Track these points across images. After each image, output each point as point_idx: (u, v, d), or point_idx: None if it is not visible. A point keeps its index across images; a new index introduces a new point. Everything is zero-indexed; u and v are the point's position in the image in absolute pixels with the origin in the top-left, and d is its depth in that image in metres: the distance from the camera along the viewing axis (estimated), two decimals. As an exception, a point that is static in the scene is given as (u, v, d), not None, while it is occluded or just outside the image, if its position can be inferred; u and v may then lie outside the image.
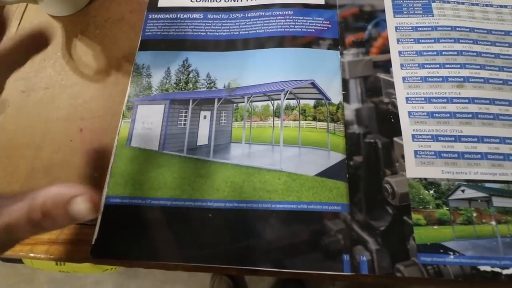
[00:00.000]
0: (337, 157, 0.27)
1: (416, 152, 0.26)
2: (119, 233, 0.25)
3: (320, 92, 0.29)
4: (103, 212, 0.26)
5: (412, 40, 0.31)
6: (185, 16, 0.34)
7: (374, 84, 0.29)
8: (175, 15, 0.34)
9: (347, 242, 0.24)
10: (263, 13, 0.33)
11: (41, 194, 0.17)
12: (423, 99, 0.28)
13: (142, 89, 0.31)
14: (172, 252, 0.25)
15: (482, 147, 0.26)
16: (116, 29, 0.34)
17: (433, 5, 0.32)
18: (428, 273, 0.23)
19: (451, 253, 0.24)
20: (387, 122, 0.28)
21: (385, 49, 0.31)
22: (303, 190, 0.25)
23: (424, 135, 0.27)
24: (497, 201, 0.25)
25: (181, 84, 0.31)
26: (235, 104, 0.30)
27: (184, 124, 0.29)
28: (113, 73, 0.32)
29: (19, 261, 0.53)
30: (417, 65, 0.30)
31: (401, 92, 0.29)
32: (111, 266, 0.60)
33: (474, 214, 0.25)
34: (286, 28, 0.32)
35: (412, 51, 0.30)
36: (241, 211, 0.25)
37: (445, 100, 0.28)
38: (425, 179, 0.26)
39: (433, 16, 0.32)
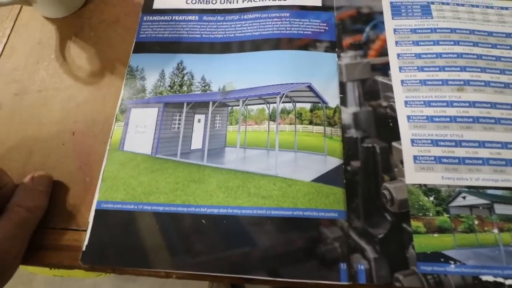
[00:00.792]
0: (334, 162, 0.26)
1: (415, 157, 0.26)
2: (111, 239, 0.25)
3: (317, 95, 0.28)
4: (94, 217, 0.25)
5: (411, 42, 0.30)
6: (180, 18, 0.33)
7: (372, 87, 0.29)
8: (170, 17, 0.33)
9: (344, 250, 0.23)
10: (259, 15, 0.32)
11: (16, 196, 0.25)
12: (422, 102, 0.28)
13: (135, 92, 0.30)
14: (164, 259, 0.24)
15: (484, 152, 0.26)
16: (110, 31, 0.34)
17: (432, 6, 0.32)
18: (428, 283, 0.22)
19: (452, 262, 0.23)
20: (385, 126, 0.27)
21: (384, 52, 0.30)
22: (298, 196, 0.25)
23: (423, 139, 0.26)
24: (500, 208, 0.24)
25: (175, 87, 0.30)
26: (230, 108, 0.29)
27: (178, 128, 0.29)
28: (107, 76, 0.32)
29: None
30: (416, 67, 0.29)
31: (399, 95, 0.28)
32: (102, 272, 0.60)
33: (476, 222, 0.24)
34: (283, 30, 0.31)
35: (411, 53, 0.30)
36: (235, 218, 0.25)
37: (445, 103, 0.27)
38: (425, 185, 0.25)
39: (432, 18, 0.31)
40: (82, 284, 1.08)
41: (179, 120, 0.29)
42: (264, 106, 0.29)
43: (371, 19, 0.32)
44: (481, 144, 0.26)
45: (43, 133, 0.30)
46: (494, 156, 0.25)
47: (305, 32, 0.31)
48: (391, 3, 0.32)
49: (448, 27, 0.31)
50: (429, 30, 0.31)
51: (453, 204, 0.24)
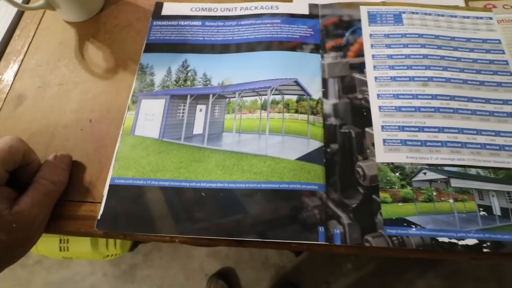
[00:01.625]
0: (316, 144, 0.30)
1: (384, 140, 0.30)
2: (122, 209, 0.29)
3: (302, 89, 0.33)
4: (108, 191, 0.29)
5: (384, 45, 0.35)
6: (186, 23, 0.38)
7: (350, 82, 0.33)
8: (177, 22, 0.38)
9: (323, 217, 0.27)
10: (254, 21, 0.37)
11: (42, 171, 0.29)
12: (392, 95, 0.32)
13: (145, 85, 0.35)
14: (169, 226, 0.28)
15: (443, 136, 0.30)
16: (124, 34, 0.39)
17: (403, 15, 0.37)
18: (393, 243, 0.26)
19: (413, 226, 0.27)
20: (360, 115, 0.32)
21: (360, 53, 0.35)
22: (285, 172, 0.29)
23: (392, 126, 0.31)
24: (455, 182, 0.28)
25: (180, 81, 0.35)
26: (227, 99, 0.33)
27: (182, 116, 0.33)
28: (120, 72, 0.36)
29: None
30: (387, 66, 0.34)
31: (373, 89, 0.33)
32: (111, 249, 0.63)
33: (434, 193, 0.28)
34: (274, 34, 0.36)
35: (383, 54, 0.35)
36: (231, 190, 0.29)
37: (411, 96, 0.32)
38: (392, 163, 0.29)
39: (403, 25, 0.36)
40: (81, 285, 1.10)
41: (183, 109, 0.33)
42: (257, 97, 0.33)
43: (350, 25, 0.37)
44: (441, 129, 0.30)
45: (64, 121, 0.34)
46: (451, 140, 0.30)
47: (293, 36, 0.36)
48: (368, 12, 0.38)
49: (416, 33, 0.36)
50: (400, 35, 0.36)
51: (415, 178, 0.29)
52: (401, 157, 0.29)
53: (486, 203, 0.28)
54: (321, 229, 0.27)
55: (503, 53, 0.35)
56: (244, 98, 0.33)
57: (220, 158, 0.30)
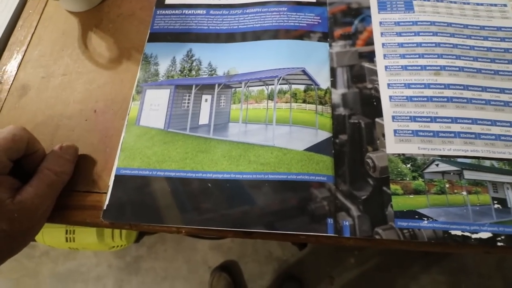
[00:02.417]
0: (324, 135, 0.30)
1: (395, 131, 0.29)
2: (128, 199, 0.28)
3: (310, 78, 0.32)
4: (114, 181, 0.29)
5: (395, 33, 0.34)
6: (190, 12, 0.37)
7: (359, 72, 0.33)
8: (181, 11, 0.37)
9: (331, 208, 0.27)
10: (260, 9, 0.36)
11: (46, 160, 0.28)
12: (403, 85, 0.31)
13: (150, 75, 0.34)
14: (175, 216, 0.27)
15: (456, 127, 0.29)
16: (127, 24, 0.38)
17: (414, 2, 0.36)
18: (404, 236, 0.26)
19: (425, 218, 0.26)
20: (370, 105, 0.31)
21: (370, 41, 0.34)
22: (292, 162, 0.28)
23: (403, 116, 0.30)
24: (468, 174, 0.28)
25: (185, 71, 0.34)
26: (233, 89, 0.33)
27: (187, 106, 0.32)
28: (124, 62, 0.36)
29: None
30: (398, 55, 0.33)
31: (383, 79, 0.32)
32: (117, 238, 0.63)
33: (447, 185, 0.27)
34: (281, 23, 0.35)
35: (394, 43, 0.34)
36: (237, 181, 0.28)
37: (423, 86, 0.31)
38: (403, 154, 0.29)
39: (414, 12, 0.35)
40: (87, 276, 1.11)
41: (189, 99, 0.33)
42: (264, 87, 0.32)
43: (359, 13, 0.36)
44: (454, 120, 0.29)
45: (68, 111, 0.33)
46: (464, 130, 0.29)
47: (300, 24, 0.35)
48: (378, -1, 0.36)
49: (428, 20, 0.34)
50: (411, 23, 0.35)
51: (427, 170, 0.28)
52: (412, 148, 0.29)
53: (501, 195, 0.27)
54: (330, 221, 0.26)
55: (519, 41, 0.33)
56: (250, 88, 0.32)
57: (226, 149, 0.30)
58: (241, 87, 0.33)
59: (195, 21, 0.37)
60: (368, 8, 0.36)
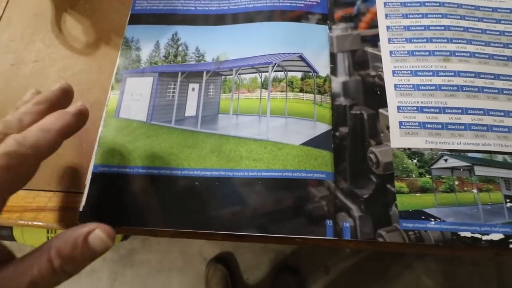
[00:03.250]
0: (323, 127, 0.27)
1: (401, 123, 0.27)
2: (107, 200, 0.26)
3: (308, 65, 0.29)
4: (91, 180, 0.26)
5: (400, 15, 0.31)
6: (175, -10, 0.34)
7: (361, 57, 0.30)
8: (165, -10, 0.34)
9: (331, 208, 0.24)
10: (253, -12, 0.33)
11: (53, 242, 0.17)
12: (409, 72, 0.29)
13: (131, 62, 0.31)
14: (158, 218, 0.25)
15: (466, 118, 0.27)
16: (106, 4, 0.34)
17: (422, -19, 0.32)
18: (409, 238, 0.24)
19: (432, 219, 0.24)
20: (373, 94, 0.28)
21: (374, 24, 0.31)
22: (288, 158, 0.26)
23: (409, 106, 0.27)
24: (479, 170, 0.25)
25: (170, 57, 0.31)
26: (223, 77, 0.30)
27: (173, 96, 0.29)
28: (102, 47, 0.32)
29: (10, 238, 0.53)
30: (404, 39, 0.30)
31: (388, 65, 0.29)
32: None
33: (456, 183, 0.25)
34: (275, 3, 0.32)
35: (400, 26, 0.31)
36: (227, 179, 0.26)
37: (431, 73, 0.28)
38: (409, 149, 0.26)
39: (421, -8, 0.32)
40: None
41: (174, 89, 0.30)
42: (257, 75, 0.29)
43: (362, -7, 0.32)
44: (464, 110, 0.27)
45: (40, 102, 0.30)
46: (476, 122, 0.27)
47: (297, 5, 0.32)
48: (382, -23, 0.33)
49: (437, 1, 0.31)
50: (418, 4, 0.31)
51: (435, 166, 0.26)
52: (419, 141, 0.26)
53: (514, 193, 0.25)
54: (329, 222, 0.24)
55: (535, 24, 0.31)
56: (242, 76, 0.29)
57: (215, 143, 0.27)
58: (231, 74, 0.30)
59: (181, 1, 0.33)
60: (372, -13, 0.33)
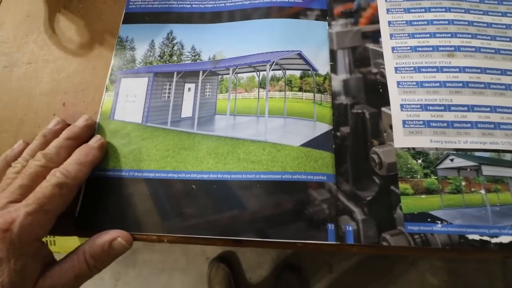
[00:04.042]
0: (323, 127, 0.26)
1: (404, 121, 0.26)
2: (102, 205, 0.25)
3: (307, 63, 0.28)
4: (86, 184, 0.26)
5: (402, 10, 0.30)
6: (170, -12, 0.33)
7: (362, 54, 0.29)
8: (160, -12, 0.33)
9: (332, 212, 0.24)
10: (250, -16, 0.32)
11: (86, 248, 0.23)
12: (412, 68, 0.28)
13: (125, 62, 0.30)
14: (155, 223, 0.24)
15: (472, 116, 0.26)
16: (99, 3, 0.33)
17: (425, -26, 0.31)
18: (415, 242, 0.23)
19: (439, 222, 0.23)
20: (375, 92, 0.27)
21: (374, 19, 0.30)
22: (287, 160, 0.25)
23: (413, 104, 0.26)
24: (487, 170, 0.24)
25: (165, 56, 0.30)
26: (220, 76, 0.29)
27: (168, 97, 0.29)
28: (96, 47, 0.31)
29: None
30: (407, 35, 0.29)
31: (390, 62, 0.28)
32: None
33: (463, 183, 0.24)
34: (273, -1, 0.31)
35: (402, 21, 0.30)
36: (225, 182, 0.25)
37: (435, 69, 0.27)
38: (413, 148, 0.25)
39: (424, -15, 0.31)
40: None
41: (169, 89, 0.29)
42: (254, 74, 0.28)
43: (362, -13, 0.31)
44: (470, 108, 0.26)
45: (34, 104, 0.30)
46: (483, 120, 0.26)
47: (295, 1, 0.31)
48: (383, -29, 0.32)
49: (440, -6, 0.30)
50: (421, -3, 0.30)
51: (441, 166, 0.25)
52: (424, 141, 0.25)
53: (523, 193, 0.24)
54: (330, 226, 0.23)
55: (543, 16, 0.29)
56: (239, 75, 0.29)
57: (212, 145, 0.26)
58: (228, 74, 0.29)
59: (176, -1, 0.32)
60: (373, -20, 0.31)
